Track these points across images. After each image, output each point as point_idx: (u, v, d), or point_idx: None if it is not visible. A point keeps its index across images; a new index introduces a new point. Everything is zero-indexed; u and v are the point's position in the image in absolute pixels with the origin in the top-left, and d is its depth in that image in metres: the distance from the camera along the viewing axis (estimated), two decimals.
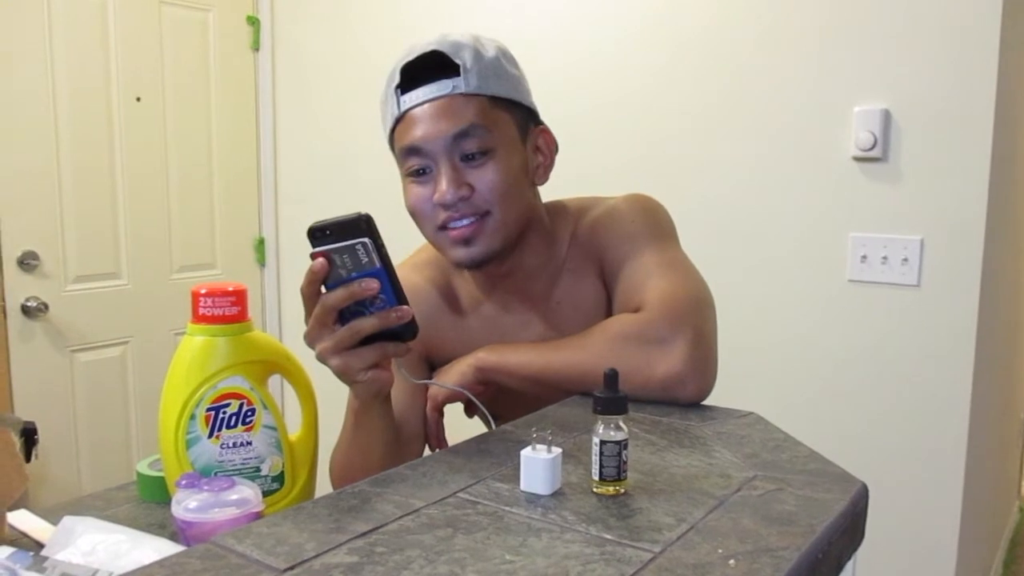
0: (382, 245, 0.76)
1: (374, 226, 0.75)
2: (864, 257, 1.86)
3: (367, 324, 0.78)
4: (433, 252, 1.11)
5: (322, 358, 0.80)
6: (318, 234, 0.75)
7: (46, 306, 2.36)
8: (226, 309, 0.83)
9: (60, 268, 2.40)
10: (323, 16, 2.77)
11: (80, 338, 2.46)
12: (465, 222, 0.94)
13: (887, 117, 1.81)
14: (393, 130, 0.98)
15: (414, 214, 0.98)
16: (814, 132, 1.91)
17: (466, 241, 0.95)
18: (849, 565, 0.66)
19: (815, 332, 1.94)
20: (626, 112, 2.17)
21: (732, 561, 0.55)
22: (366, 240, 0.75)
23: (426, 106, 0.94)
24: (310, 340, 0.80)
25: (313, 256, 0.76)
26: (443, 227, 0.96)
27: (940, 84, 1.75)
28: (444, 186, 0.93)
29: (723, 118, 2.03)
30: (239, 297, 0.83)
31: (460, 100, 0.94)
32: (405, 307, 0.78)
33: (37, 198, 2.34)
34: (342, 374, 0.81)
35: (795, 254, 1.96)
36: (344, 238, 0.75)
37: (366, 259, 0.75)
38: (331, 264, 0.76)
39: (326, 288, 0.77)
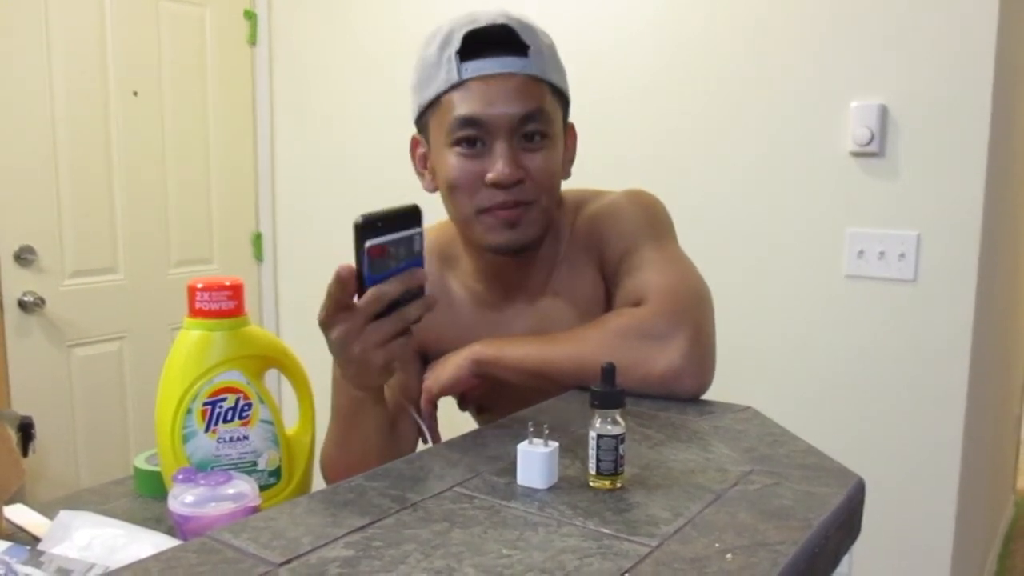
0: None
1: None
2: (861, 252, 1.87)
3: (414, 311, 0.76)
4: (427, 243, 1.10)
5: (366, 354, 0.76)
6: (372, 226, 0.72)
7: (43, 301, 2.35)
8: (222, 304, 0.82)
9: (57, 263, 2.39)
10: (320, 10, 2.76)
11: (77, 333, 2.46)
12: (511, 205, 0.93)
13: (884, 112, 1.81)
14: (440, 96, 0.94)
15: (454, 188, 0.95)
16: (811, 128, 1.91)
17: (512, 225, 0.94)
18: (845, 559, 0.66)
19: (812, 327, 1.94)
20: (623, 109, 2.17)
21: (729, 555, 0.55)
22: (420, 230, 0.75)
23: (495, 80, 0.91)
24: (359, 340, 0.75)
25: (370, 249, 0.72)
26: (485, 208, 0.94)
27: (937, 79, 1.75)
28: (502, 166, 0.91)
29: (720, 114, 2.03)
30: (235, 292, 0.83)
31: (531, 82, 0.92)
32: (432, 295, 0.78)
33: (34, 193, 2.33)
34: (387, 363, 0.78)
35: (792, 249, 1.96)
36: (399, 229, 0.74)
37: (418, 248, 0.75)
38: (384, 256, 0.73)
39: (368, 280, 0.73)
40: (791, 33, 1.91)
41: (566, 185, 1.07)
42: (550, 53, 0.96)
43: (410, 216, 0.74)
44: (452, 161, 0.94)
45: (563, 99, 0.99)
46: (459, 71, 0.92)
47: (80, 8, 2.40)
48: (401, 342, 0.77)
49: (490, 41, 0.92)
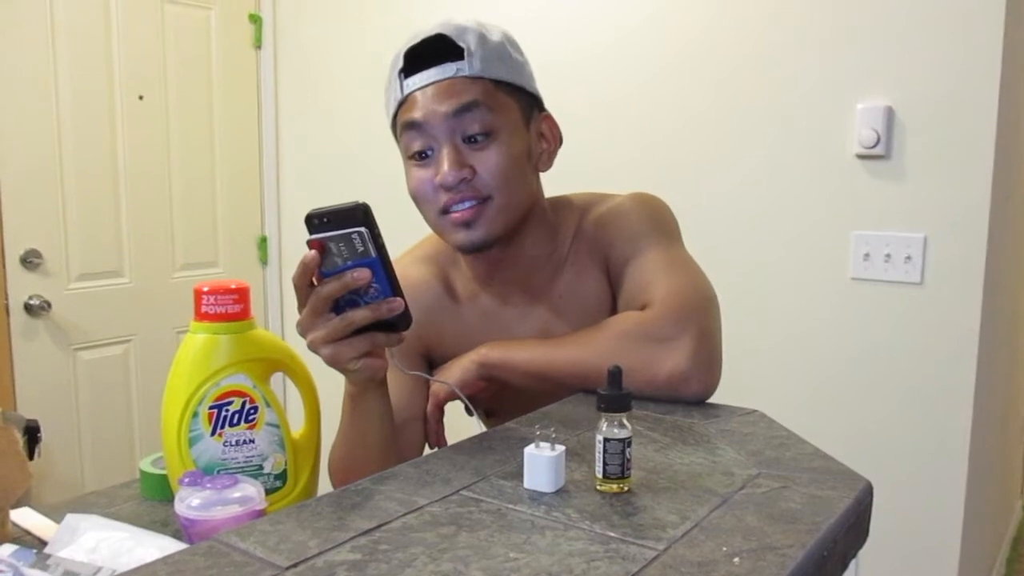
0: (379, 235, 0.75)
1: (371, 215, 0.74)
2: (867, 255, 1.86)
3: (359, 316, 0.77)
4: (431, 247, 1.10)
5: (313, 347, 0.80)
6: (316, 221, 0.74)
7: (49, 304, 2.36)
8: (228, 307, 0.82)
9: (63, 266, 2.40)
10: (325, 13, 2.77)
11: (83, 336, 2.47)
12: (466, 205, 0.94)
13: (890, 114, 1.81)
14: (396, 114, 0.98)
15: (416, 198, 0.98)
16: (817, 129, 1.91)
17: (467, 224, 0.95)
18: (852, 563, 0.66)
19: (818, 330, 1.94)
20: (627, 110, 2.17)
21: (737, 559, 0.54)
22: (363, 229, 0.74)
23: (430, 88, 0.94)
24: (303, 329, 0.80)
25: (309, 244, 0.75)
26: (445, 211, 0.95)
27: (943, 81, 1.74)
28: (446, 167, 0.92)
29: (725, 116, 2.02)
30: (242, 295, 0.83)
31: (463, 81, 0.94)
32: (398, 299, 0.77)
33: (40, 196, 2.34)
34: (333, 363, 0.81)
35: (798, 252, 1.95)
36: (341, 226, 0.74)
37: (362, 248, 0.75)
38: (327, 252, 0.75)
39: (322, 276, 0.76)
40: (796, 34, 1.91)
41: (556, 188, 1.07)
42: (495, 50, 0.96)
43: (354, 214, 0.74)
44: (410, 174, 0.98)
45: (520, 92, 0.98)
46: (402, 88, 0.96)
47: (85, 12, 2.41)
48: (352, 344, 0.79)
49: (429, 54, 0.94)
